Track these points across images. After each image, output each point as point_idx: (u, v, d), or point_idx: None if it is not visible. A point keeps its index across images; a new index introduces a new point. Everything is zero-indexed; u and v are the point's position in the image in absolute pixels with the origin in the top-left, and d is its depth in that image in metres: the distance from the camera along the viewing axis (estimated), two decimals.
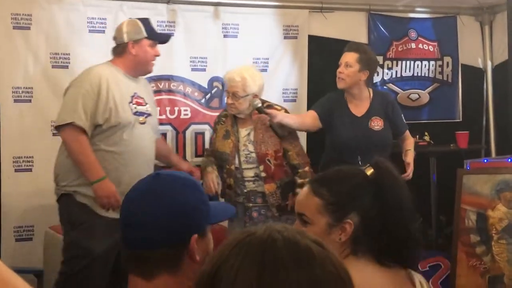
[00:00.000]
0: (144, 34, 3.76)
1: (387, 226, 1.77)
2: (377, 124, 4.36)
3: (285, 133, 4.01)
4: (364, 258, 1.77)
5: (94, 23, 4.75)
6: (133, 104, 3.71)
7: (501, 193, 4.41)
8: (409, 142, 4.53)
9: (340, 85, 4.34)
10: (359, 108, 4.38)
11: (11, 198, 4.57)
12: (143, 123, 3.76)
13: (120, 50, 3.79)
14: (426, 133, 5.69)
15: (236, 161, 4.12)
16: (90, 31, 4.75)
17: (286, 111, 4.30)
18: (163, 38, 3.96)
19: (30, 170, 4.63)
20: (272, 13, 5.32)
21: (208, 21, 5.06)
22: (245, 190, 4.12)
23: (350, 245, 1.77)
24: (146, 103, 3.80)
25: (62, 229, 3.91)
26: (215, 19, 5.09)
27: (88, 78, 3.71)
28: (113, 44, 4.78)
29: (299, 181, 4.11)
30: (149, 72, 3.92)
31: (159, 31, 4.33)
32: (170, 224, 1.55)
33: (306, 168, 4.18)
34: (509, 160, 4.72)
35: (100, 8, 4.76)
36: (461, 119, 5.95)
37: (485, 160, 5.03)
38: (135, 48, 3.75)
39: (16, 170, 4.60)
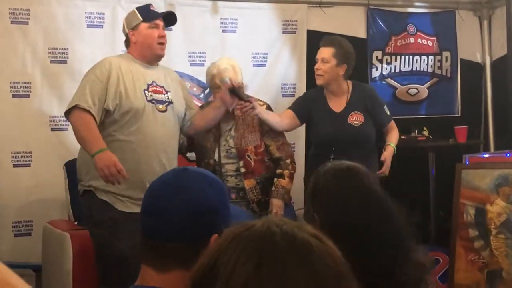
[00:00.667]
0: (140, 18, 3.67)
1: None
2: (356, 119, 4.31)
3: (248, 97, 3.86)
4: None
5: (92, 18, 4.75)
6: (149, 91, 3.61)
7: (500, 187, 4.42)
8: (391, 136, 4.46)
9: (318, 81, 4.32)
10: (338, 103, 4.35)
11: (9, 193, 4.57)
12: (163, 111, 3.64)
13: (126, 42, 3.74)
14: (424, 128, 5.69)
15: (216, 156, 4.10)
16: (88, 26, 4.74)
17: (269, 108, 4.29)
18: (157, 15, 3.73)
19: (29, 165, 4.63)
20: (271, 8, 5.31)
21: (207, 16, 5.05)
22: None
23: None
24: (167, 91, 3.69)
25: (86, 226, 3.86)
26: (213, 14, 5.09)
27: (99, 65, 3.64)
28: (110, 38, 4.81)
29: (278, 171, 4.13)
30: (159, 55, 3.72)
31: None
32: (193, 221, 1.55)
33: (288, 160, 4.19)
34: (508, 154, 4.72)
35: (98, 3, 4.75)
36: (460, 114, 5.94)
37: (484, 155, 5.03)
38: (135, 36, 3.68)
39: (14, 165, 4.60)
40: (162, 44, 3.67)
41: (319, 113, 4.36)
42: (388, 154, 4.31)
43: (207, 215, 1.56)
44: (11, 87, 4.56)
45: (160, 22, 3.68)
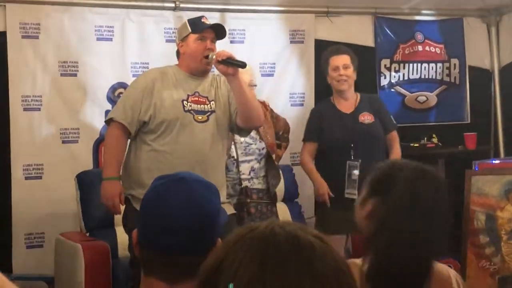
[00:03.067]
0: (189, 29, 3.56)
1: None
2: (366, 118, 4.42)
3: (243, 62, 3.48)
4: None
5: (101, 31, 4.79)
6: (188, 102, 3.52)
7: (510, 193, 4.41)
8: (395, 152, 4.52)
9: (344, 87, 4.41)
10: (347, 106, 4.46)
11: (21, 205, 4.60)
12: (203, 121, 3.53)
13: (177, 53, 3.67)
14: (434, 135, 5.70)
15: (234, 153, 4.12)
16: (98, 39, 4.79)
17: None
18: (204, 26, 3.55)
19: (40, 177, 4.67)
20: (278, 18, 5.35)
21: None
22: (241, 187, 4.10)
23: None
24: (211, 101, 3.57)
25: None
26: None
27: (139, 78, 3.66)
28: (119, 50, 4.85)
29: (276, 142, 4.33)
30: (204, 70, 3.57)
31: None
32: (202, 232, 1.57)
33: (286, 134, 4.50)
34: None
35: (107, 16, 4.80)
36: (469, 121, 5.94)
37: (494, 161, 5.02)
38: (183, 47, 3.59)
39: (26, 178, 4.64)
40: (207, 57, 3.51)
41: (329, 120, 4.43)
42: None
43: (212, 223, 1.59)
44: (22, 100, 4.61)
45: (209, 35, 3.55)
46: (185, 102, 3.49)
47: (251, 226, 1.04)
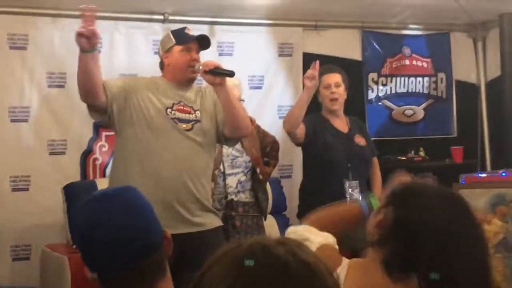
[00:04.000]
0: (173, 41, 3.55)
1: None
2: (361, 140, 4.47)
3: (231, 71, 3.48)
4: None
5: None
6: (173, 110, 3.49)
7: (496, 207, 4.43)
8: (376, 184, 4.50)
9: (335, 106, 4.42)
10: (341, 125, 4.48)
11: (8, 217, 4.57)
12: (187, 129, 3.48)
13: (160, 65, 3.65)
14: (421, 149, 5.73)
15: (221, 167, 4.11)
16: None
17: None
18: (189, 38, 3.56)
19: (27, 189, 4.65)
20: (267, 31, 5.37)
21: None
22: (227, 200, 4.08)
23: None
24: (196, 110, 3.54)
25: None
26: (210, 38, 5.11)
27: (130, 78, 3.70)
28: (108, 62, 4.85)
29: (265, 159, 4.35)
30: (191, 78, 3.55)
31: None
32: (150, 229, 1.63)
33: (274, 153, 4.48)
34: (504, 174, 4.73)
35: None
36: (456, 134, 5.98)
37: (480, 175, 5.05)
38: (168, 58, 3.57)
39: (13, 190, 4.61)
40: (194, 67, 3.52)
41: (327, 134, 4.40)
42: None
43: (152, 215, 1.66)
44: (9, 111, 4.59)
45: (193, 46, 3.55)
46: (169, 110, 3.47)
47: (237, 243, 1.04)
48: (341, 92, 4.40)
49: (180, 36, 3.57)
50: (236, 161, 4.16)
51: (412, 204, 1.74)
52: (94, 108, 3.36)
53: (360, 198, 2.11)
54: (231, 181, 4.11)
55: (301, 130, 4.32)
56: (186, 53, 3.52)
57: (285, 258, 0.98)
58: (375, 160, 4.59)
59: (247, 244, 1.02)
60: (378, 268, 1.72)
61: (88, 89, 3.24)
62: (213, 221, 3.49)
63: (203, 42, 3.61)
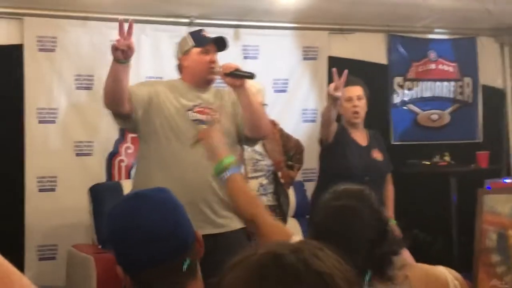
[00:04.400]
0: (191, 43, 3.59)
1: None
2: (378, 156, 4.37)
3: (251, 73, 3.48)
4: None
5: None
6: (194, 112, 3.51)
7: None
8: (389, 201, 4.44)
9: (357, 119, 4.33)
10: (361, 138, 4.38)
11: (35, 217, 4.63)
12: None
13: (179, 68, 3.67)
14: (446, 154, 5.70)
15: (242, 171, 4.10)
16: None
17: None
18: (208, 40, 3.60)
19: (54, 190, 4.70)
20: (292, 34, 5.38)
21: (229, 42, 5.11)
22: None
23: None
24: (216, 112, 3.54)
25: None
26: (235, 41, 5.16)
27: (151, 81, 3.70)
28: (134, 64, 4.87)
29: (289, 163, 4.35)
30: (210, 80, 3.57)
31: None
32: (183, 230, 1.63)
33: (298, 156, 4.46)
34: None
35: None
36: (481, 140, 5.94)
37: (506, 180, 5.01)
38: (186, 60, 3.59)
39: (40, 190, 4.67)
40: (213, 68, 3.55)
41: (346, 146, 4.36)
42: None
43: (184, 217, 1.66)
44: (37, 113, 4.65)
45: (211, 48, 3.58)
46: (189, 112, 3.49)
47: (252, 250, 1.04)
48: (362, 105, 4.32)
49: (198, 39, 3.61)
50: (258, 164, 4.17)
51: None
52: (118, 115, 3.40)
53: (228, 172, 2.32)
54: (253, 184, 4.11)
55: (334, 129, 4.29)
56: (205, 55, 3.55)
57: (296, 268, 0.97)
58: (390, 176, 4.50)
59: (260, 253, 1.02)
60: None
61: (115, 97, 3.29)
62: (236, 223, 3.50)
63: (220, 44, 3.64)
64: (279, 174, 4.16)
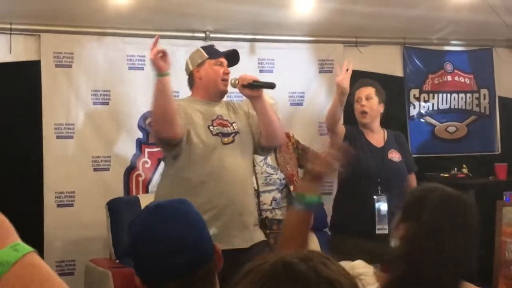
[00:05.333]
0: (205, 56, 3.65)
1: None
2: (395, 156, 4.34)
3: (271, 83, 3.62)
4: None
5: (133, 60, 4.87)
6: (214, 126, 3.54)
7: None
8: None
9: (365, 120, 4.33)
10: (376, 139, 4.37)
11: (53, 233, 4.65)
12: (230, 142, 3.53)
13: (190, 80, 3.71)
14: (464, 166, 5.66)
15: (254, 184, 4.04)
16: (130, 68, 4.86)
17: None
18: (221, 53, 3.69)
19: (72, 205, 4.72)
20: (307, 47, 5.39)
21: (244, 56, 5.10)
22: (260, 217, 4.04)
23: None
24: (232, 123, 3.60)
25: None
26: (251, 55, 5.18)
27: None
28: (151, 80, 4.89)
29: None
30: (223, 91, 3.63)
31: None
32: (202, 242, 1.63)
33: None
34: None
35: (139, 46, 4.87)
36: (499, 151, 5.90)
37: None
38: (199, 72, 3.63)
39: (58, 205, 4.69)
40: (226, 80, 3.59)
41: (360, 147, 4.37)
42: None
43: (200, 229, 1.66)
44: (55, 128, 4.68)
45: (224, 61, 3.65)
46: (211, 127, 3.52)
47: (263, 259, 1.04)
48: (372, 105, 4.31)
49: (212, 51, 3.68)
50: (270, 178, 4.14)
51: (422, 219, 1.85)
52: (169, 142, 3.34)
53: (295, 204, 2.10)
54: (266, 199, 4.08)
55: (341, 130, 4.29)
56: (219, 66, 3.60)
57: (306, 275, 0.97)
58: (412, 176, 4.48)
59: (270, 262, 1.02)
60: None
61: (167, 116, 3.23)
62: (260, 235, 3.52)
63: (232, 59, 3.69)
64: (291, 187, 4.12)
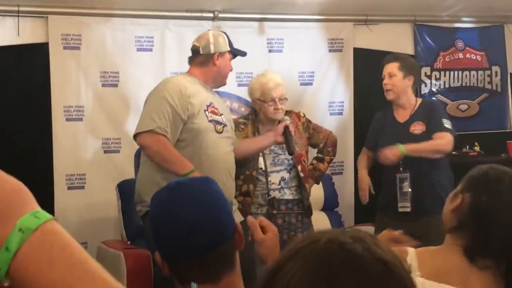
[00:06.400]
0: (228, 47, 3.74)
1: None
2: (418, 128, 4.24)
3: (294, 148, 3.92)
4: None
5: (141, 42, 4.84)
6: (209, 112, 3.62)
7: None
8: (421, 143, 4.21)
9: (389, 96, 4.31)
10: (403, 115, 4.33)
11: (64, 215, 4.64)
12: (220, 132, 3.64)
13: (202, 60, 3.71)
14: (476, 144, 5.62)
15: (262, 164, 4.06)
16: (138, 49, 4.84)
17: (308, 122, 4.23)
18: (243, 54, 3.91)
19: (83, 187, 4.72)
20: (317, 26, 5.34)
21: (253, 36, 5.10)
22: (268, 198, 4.03)
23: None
24: (221, 114, 3.70)
25: (150, 250, 3.85)
26: (260, 34, 5.14)
27: (167, 87, 3.59)
28: (159, 61, 4.88)
29: (319, 155, 4.30)
30: (224, 85, 3.91)
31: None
32: (221, 219, 1.62)
33: (330, 148, 4.31)
34: None
35: (147, 27, 4.85)
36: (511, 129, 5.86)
37: None
38: (219, 60, 3.69)
39: (69, 188, 4.69)
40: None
41: (385, 126, 4.37)
42: (389, 151, 4.15)
43: (223, 209, 1.64)
44: (64, 111, 4.66)
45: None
46: (206, 112, 3.56)
47: (313, 237, 1.01)
48: (395, 82, 4.26)
49: (232, 46, 3.80)
50: (278, 158, 4.11)
51: (490, 190, 1.79)
52: None
53: None
54: (274, 178, 4.05)
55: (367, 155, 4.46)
56: (230, 62, 3.78)
57: (362, 256, 0.96)
58: (439, 134, 4.20)
59: (323, 241, 0.99)
60: (456, 252, 1.78)
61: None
62: (239, 217, 3.61)
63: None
64: (299, 168, 4.09)
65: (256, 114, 4.13)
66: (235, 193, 3.85)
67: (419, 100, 4.42)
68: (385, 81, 4.30)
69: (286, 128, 3.83)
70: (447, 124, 4.26)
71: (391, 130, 4.31)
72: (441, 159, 4.28)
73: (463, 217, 1.79)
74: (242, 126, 4.10)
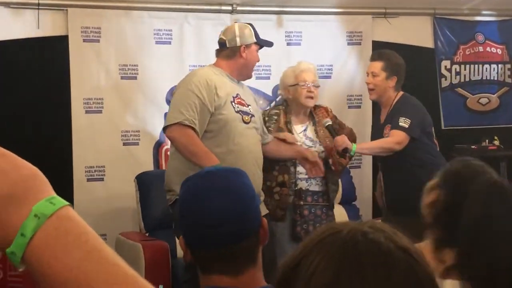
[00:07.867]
0: (254, 39, 3.75)
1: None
2: (388, 131, 4.14)
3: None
4: None
5: (160, 35, 4.85)
6: (235, 104, 3.64)
7: None
8: (384, 139, 4.16)
9: (371, 96, 4.31)
10: (384, 114, 4.28)
11: (84, 207, 4.65)
12: (248, 122, 3.67)
13: (229, 53, 3.73)
14: (495, 137, 5.58)
15: None
16: (156, 42, 4.85)
17: (335, 117, 4.26)
18: (270, 45, 3.94)
19: (102, 179, 4.75)
20: (335, 19, 5.32)
21: (272, 29, 5.09)
22: (295, 188, 4.05)
23: None
24: (249, 105, 3.72)
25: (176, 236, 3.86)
26: (278, 27, 5.13)
27: (193, 79, 3.62)
28: (178, 53, 4.89)
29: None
30: (250, 77, 3.90)
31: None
32: (245, 214, 1.60)
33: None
34: None
35: (166, 20, 4.86)
36: None
37: None
38: (245, 52, 3.70)
39: (88, 180, 4.72)
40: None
41: (373, 126, 4.45)
42: (340, 138, 4.03)
43: (251, 203, 1.62)
44: (84, 103, 4.69)
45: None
46: (233, 103, 3.57)
47: (334, 228, 1.00)
48: (377, 82, 4.15)
49: (258, 37, 3.80)
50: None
51: (462, 190, 1.82)
52: None
53: None
54: (302, 168, 4.07)
55: None
56: (257, 54, 3.78)
57: (386, 245, 0.95)
58: (393, 132, 4.07)
59: (346, 231, 0.98)
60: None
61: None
62: (264, 209, 3.66)
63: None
64: (330, 161, 4.11)
65: (287, 104, 4.16)
66: (272, 184, 3.94)
67: (398, 95, 4.23)
68: (367, 80, 4.25)
69: (330, 126, 4.03)
70: (402, 122, 4.08)
71: (374, 130, 4.36)
72: (416, 160, 4.13)
73: (437, 215, 1.85)
74: (275, 117, 4.14)
